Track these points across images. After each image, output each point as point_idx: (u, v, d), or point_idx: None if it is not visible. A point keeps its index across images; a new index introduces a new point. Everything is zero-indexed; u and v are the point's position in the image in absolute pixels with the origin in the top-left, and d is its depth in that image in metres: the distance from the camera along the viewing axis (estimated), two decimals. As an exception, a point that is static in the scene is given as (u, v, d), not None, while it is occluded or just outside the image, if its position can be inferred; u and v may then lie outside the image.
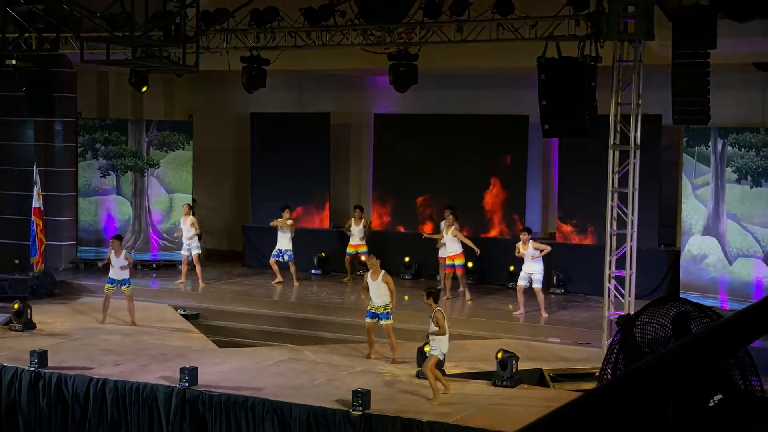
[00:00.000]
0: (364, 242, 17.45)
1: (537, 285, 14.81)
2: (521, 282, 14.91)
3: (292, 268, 17.12)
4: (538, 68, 11.62)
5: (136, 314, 14.93)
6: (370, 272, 12.92)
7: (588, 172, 15.94)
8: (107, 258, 14.99)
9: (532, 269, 14.80)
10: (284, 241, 17.15)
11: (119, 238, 15.44)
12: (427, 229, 17.80)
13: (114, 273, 14.81)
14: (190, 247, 17.26)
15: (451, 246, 15.80)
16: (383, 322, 12.78)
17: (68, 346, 13.56)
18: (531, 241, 14.94)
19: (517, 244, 15.04)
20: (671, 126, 13.51)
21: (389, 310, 12.77)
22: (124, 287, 14.82)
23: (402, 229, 18.49)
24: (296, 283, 17.09)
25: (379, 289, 12.72)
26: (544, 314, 14.79)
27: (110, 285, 14.88)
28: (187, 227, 17.17)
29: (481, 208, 17.88)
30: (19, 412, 12.16)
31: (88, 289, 17.53)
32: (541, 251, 14.90)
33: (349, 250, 17.56)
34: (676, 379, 1.73)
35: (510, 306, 15.57)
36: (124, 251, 15.00)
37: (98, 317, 15.19)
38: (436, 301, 11.44)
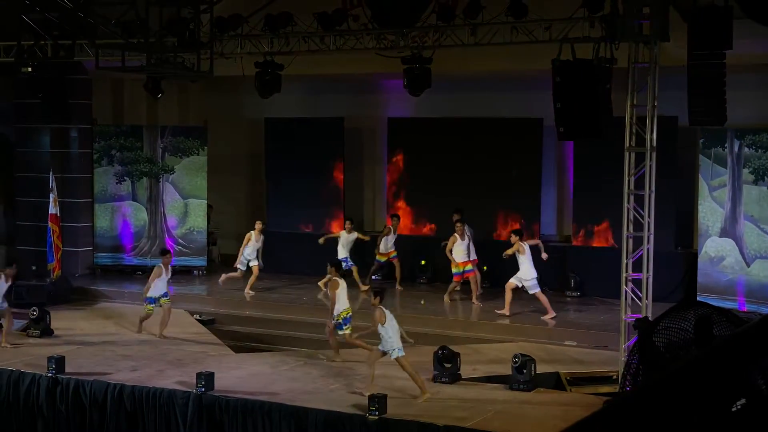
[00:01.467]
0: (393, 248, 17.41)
1: (532, 291, 14.97)
2: (532, 287, 15.02)
3: (355, 274, 17.12)
4: (553, 70, 11.57)
5: (149, 319, 14.91)
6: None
7: (603, 175, 15.90)
8: (154, 274, 14.44)
9: (526, 275, 14.93)
10: (343, 251, 17.09)
11: (169, 252, 15.19)
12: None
13: (157, 290, 14.38)
14: (250, 260, 17.08)
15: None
16: (338, 332, 12.90)
17: (85, 351, 13.61)
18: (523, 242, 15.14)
19: (516, 247, 15.06)
20: (687, 127, 13.43)
21: (340, 320, 12.87)
22: (165, 300, 14.49)
23: (418, 233, 18.46)
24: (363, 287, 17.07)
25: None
26: (551, 314, 14.85)
27: (151, 305, 14.48)
28: (256, 244, 17.04)
29: (495, 212, 17.84)
30: (37, 418, 12.20)
31: (105, 294, 17.60)
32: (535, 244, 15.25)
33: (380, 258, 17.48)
34: (704, 385, 1.71)
35: (504, 310, 15.48)
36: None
37: (118, 323, 15.25)
38: (381, 300, 11.48)
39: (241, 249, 16.98)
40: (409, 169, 18.70)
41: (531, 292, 15.01)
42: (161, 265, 14.56)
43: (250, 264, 17.07)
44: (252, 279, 17.04)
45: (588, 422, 1.79)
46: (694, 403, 2.00)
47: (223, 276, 17.27)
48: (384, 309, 11.36)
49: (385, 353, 11.36)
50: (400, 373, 12.45)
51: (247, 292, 16.99)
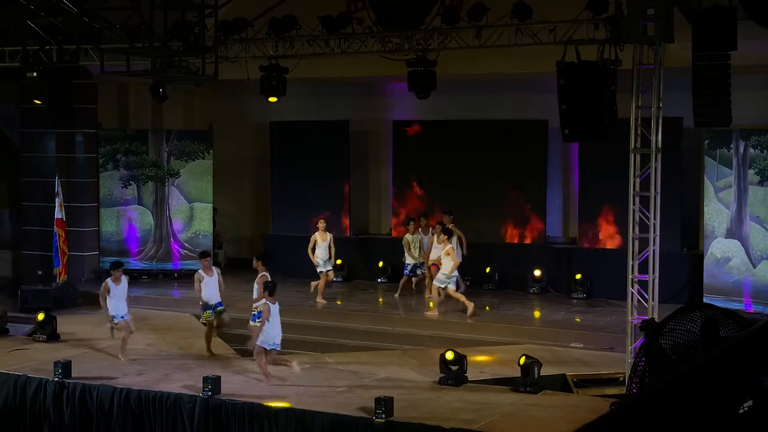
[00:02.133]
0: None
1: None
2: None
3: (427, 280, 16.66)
4: (558, 72, 11.56)
5: (156, 323, 14.87)
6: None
7: (609, 176, 15.89)
8: (196, 280, 13.39)
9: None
10: (411, 256, 16.59)
11: (208, 254, 14.12)
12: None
13: (210, 295, 13.33)
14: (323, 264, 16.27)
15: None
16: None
17: (92, 356, 13.62)
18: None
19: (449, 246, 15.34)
20: (692, 128, 13.42)
21: (255, 312, 12.89)
22: (220, 309, 13.46)
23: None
24: (428, 295, 16.49)
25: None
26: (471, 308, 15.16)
27: (209, 312, 13.32)
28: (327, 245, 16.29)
29: (501, 214, 17.84)
30: (44, 423, 12.21)
31: (111, 299, 17.59)
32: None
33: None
34: (712, 387, 1.71)
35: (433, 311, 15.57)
36: (215, 268, 13.60)
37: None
38: (270, 296, 12.01)
39: (310, 254, 16.19)
40: (414, 171, 18.69)
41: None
42: (201, 270, 13.57)
43: (319, 270, 16.22)
44: (321, 285, 16.26)
45: (595, 425, 1.79)
46: (702, 405, 2.00)
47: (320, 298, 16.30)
48: (271, 305, 11.89)
49: (264, 349, 11.87)
50: (407, 375, 12.46)
51: (320, 300, 16.25)
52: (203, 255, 14.05)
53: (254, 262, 13.43)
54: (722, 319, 4.21)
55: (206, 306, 13.39)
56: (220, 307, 13.44)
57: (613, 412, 1.81)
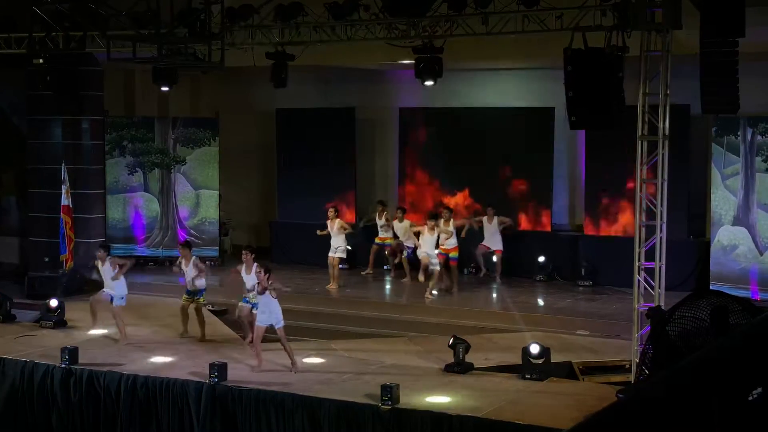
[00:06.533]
0: (389, 235, 17.48)
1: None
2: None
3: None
4: (565, 59, 11.52)
5: (163, 309, 14.92)
6: (244, 266, 13.19)
7: (615, 164, 15.85)
8: (178, 267, 14.03)
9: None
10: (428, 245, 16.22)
11: (188, 245, 14.39)
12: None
13: (189, 284, 13.86)
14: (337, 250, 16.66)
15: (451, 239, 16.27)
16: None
17: (99, 342, 13.65)
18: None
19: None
20: (700, 116, 13.37)
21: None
22: (199, 299, 13.89)
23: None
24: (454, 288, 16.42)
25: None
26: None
27: (187, 296, 13.92)
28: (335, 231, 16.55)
29: (507, 201, 17.82)
30: (51, 409, 12.26)
31: (117, 285, 17.63)
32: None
33: (377, 240, 17.77)
34: (721, 375, 1.71)
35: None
36: (193, 258, 13.95)
37: (130, 313, 15.25)
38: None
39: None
40: (420, 159, 18.68)
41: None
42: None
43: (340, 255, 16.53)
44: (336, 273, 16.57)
45: (605, 413, 1.78)
46: (712, 392, 1.99)
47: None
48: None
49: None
50: (413, 362, 12.48)
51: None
52: (186, 245, 14.44)
53: (247, 255, 13.33)
54: (732, 306, 4.20)
55: (188, 291, 13.94)
56: (200, 296, 13.97)
57: (622, 399, 1.80)
